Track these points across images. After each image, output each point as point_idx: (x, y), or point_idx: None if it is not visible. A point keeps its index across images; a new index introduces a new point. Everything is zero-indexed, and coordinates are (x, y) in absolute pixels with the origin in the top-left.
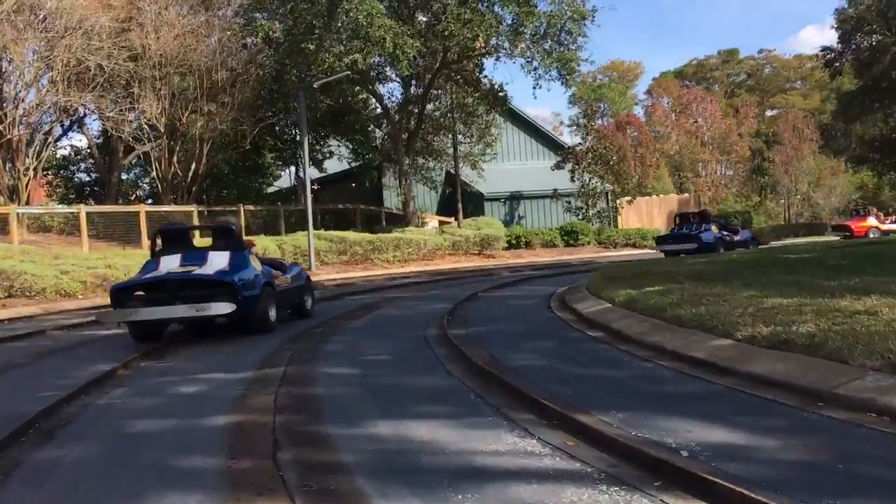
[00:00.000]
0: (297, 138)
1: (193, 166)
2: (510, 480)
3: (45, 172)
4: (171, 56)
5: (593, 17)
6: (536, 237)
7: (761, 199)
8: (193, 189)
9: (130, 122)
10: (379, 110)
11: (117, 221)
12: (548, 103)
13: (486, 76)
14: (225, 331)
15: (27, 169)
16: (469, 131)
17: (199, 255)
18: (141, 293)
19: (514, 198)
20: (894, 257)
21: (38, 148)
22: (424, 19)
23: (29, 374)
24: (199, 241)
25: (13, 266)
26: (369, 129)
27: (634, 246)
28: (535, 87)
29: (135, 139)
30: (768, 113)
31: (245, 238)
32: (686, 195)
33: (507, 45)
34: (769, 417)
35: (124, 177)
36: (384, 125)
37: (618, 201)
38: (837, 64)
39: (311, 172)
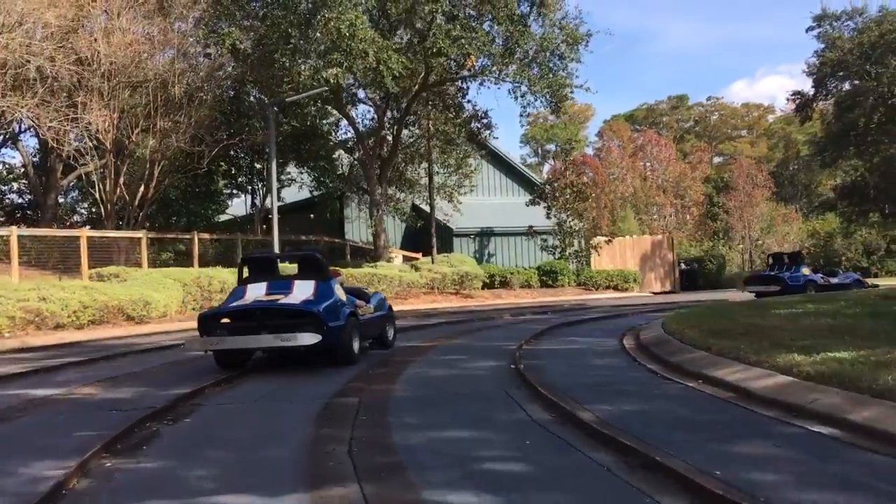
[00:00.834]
0: (254, 163)
1: (142, 189)
2: None
3: None
4: (122, 65)
5: (587, 41)
6: (513, 276)
7: (714, 244)
8: (139, 214)
9: (73, 136)
10: (350, 134)
11: (53, 247)
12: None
13: (469, 101)
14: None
15: None
16: (446, 160)
17: (285, 284)
18: (226, 321)
19: (485, 234)
20: None
21: None
22: (406, 37)
23: None
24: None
25: None
26: (334, 156)
27: (616, 289)
28: (521, 115)
29: (77, 156)
30: (716, 160)
31: (331, 267)
32: (659, 237)
33: (494, 67)
34: None
35: (62, 199)
36: (356, 151)
37: (594, 241)
38: (808, 109)
39: (269, 201)
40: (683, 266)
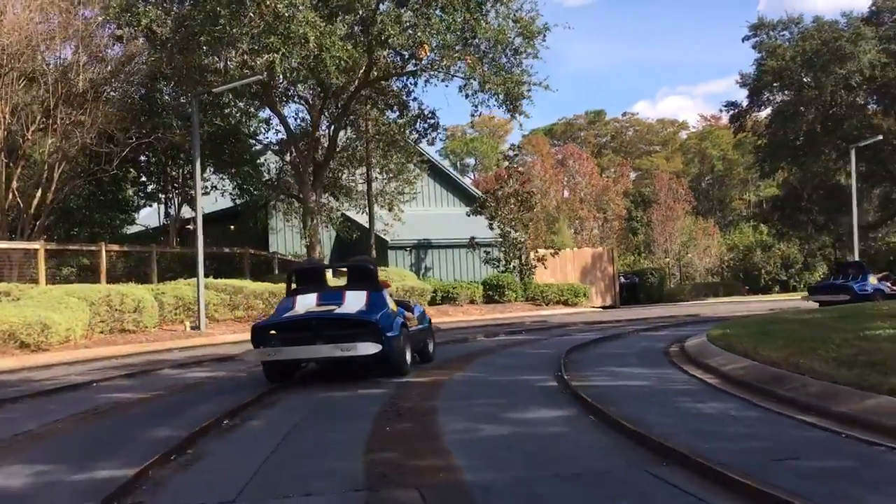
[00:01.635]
0: (168, 168)
1: (39, 195)
2: None
3: None
4: (14, 52)
5: (545, 36)
6: (459, 291)
7: (636, 258)
8: (35, 224)
9: None
10: (278, 136)
11: None
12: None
13: (415, 99)
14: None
15: None
16: (386, 164)
17: (336, 295)
18: (276, 332)
19: (422, 246)
20: None
21: None
22: (346, 27)
23: None
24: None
25: None
26: (260, 160)
27: (566, 304)
28: (472, 115)
29: None
30: (632, 175)
31: (381, 279)
32: (600, 249)
33: (444, 62)
34: None
35: None
36: (287, 154)
37: (540, 252)
38: (741, 120)
39: (185, 211)
40: (623, 280)
